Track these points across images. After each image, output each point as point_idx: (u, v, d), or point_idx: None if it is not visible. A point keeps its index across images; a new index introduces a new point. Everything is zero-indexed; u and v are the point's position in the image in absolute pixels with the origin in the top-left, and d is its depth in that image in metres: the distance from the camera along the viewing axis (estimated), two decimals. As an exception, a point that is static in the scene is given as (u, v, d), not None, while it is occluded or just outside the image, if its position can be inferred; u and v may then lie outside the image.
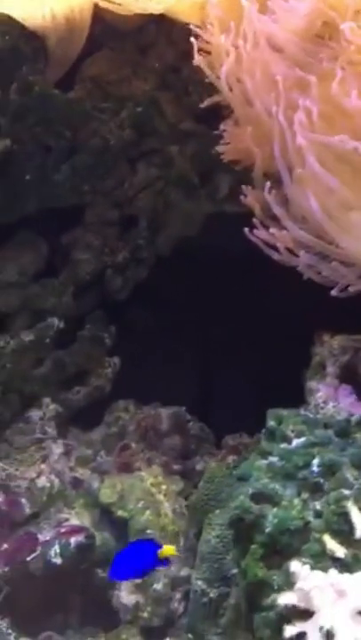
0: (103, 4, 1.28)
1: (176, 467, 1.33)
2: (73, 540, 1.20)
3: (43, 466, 1.27)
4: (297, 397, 1.22)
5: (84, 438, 1.40)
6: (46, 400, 1.43)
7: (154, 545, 1.00)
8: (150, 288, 1.49)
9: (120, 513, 1.23)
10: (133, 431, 1.37)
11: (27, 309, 1.43)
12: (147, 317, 1.50)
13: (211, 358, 1.55)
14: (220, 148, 1.22)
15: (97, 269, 1.44)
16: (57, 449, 1.32)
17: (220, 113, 1.27)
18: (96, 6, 1.29)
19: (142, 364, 1.49)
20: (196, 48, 1.17)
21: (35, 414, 1.39)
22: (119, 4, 1.26)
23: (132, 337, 1.48)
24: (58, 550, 1.19)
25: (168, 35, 1.35)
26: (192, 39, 1.17)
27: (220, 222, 1.42)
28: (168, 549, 0.99)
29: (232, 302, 1.46)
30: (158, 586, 1.17)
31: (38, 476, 1.25)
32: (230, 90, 1.13)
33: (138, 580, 1.17)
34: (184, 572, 1.19)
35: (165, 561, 0.99)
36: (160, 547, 1.00)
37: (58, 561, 1.17)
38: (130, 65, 1.40)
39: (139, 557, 1.00)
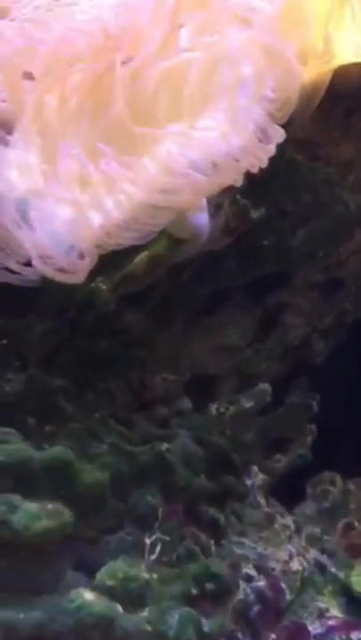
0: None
1: None
2: (354, 636, 1.12)
3: (290, 546, 1.23)
4: None
5: (299, 513, 1.37)
6: (255, 468, 1.39)
7: None
8: (348, 351, 1.50)
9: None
10: (356, 509, 1.35)
11: (236, 373, 1.41)
12: (343, 382, 1.51)
13: None
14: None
15: (305, 334, 1.44)
16: (289, 525, 1.28)
17: None
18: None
19: (342, 433, 1.47)
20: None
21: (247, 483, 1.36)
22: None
23: (328, 403, 1.48)
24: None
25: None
26: None
27: None
28: None
29: None
30: None
31: (291, 557, 1.21)
32: None
33: None
34: None
35: None
36: None
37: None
38: (337, 127, 1.44)
39: None
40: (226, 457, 1.11)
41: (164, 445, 1.00)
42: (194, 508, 1.04)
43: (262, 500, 1.35)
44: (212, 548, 1.04)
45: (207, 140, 0.77)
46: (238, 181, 0.87)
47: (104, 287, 1.20)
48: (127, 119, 0.80)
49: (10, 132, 1.02)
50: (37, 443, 1.06)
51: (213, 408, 1.37)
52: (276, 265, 1.34)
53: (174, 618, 0.89)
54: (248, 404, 1.37)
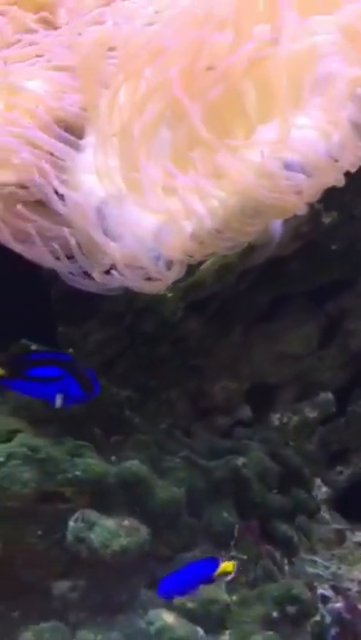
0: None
1: None
2: None
3: (364, 565, 1.18)
4: None
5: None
6: (318, 481, 1.36)
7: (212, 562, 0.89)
8: None
9: None
10: None
11: (297, 381, 1.37)
12: None
13: None
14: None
15: (367, 340, 1.40)
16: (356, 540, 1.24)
17: None
18: None
19: None
20: None
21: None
22: None
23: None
24: None
25: None
26: None
27: None
28: (226, 565, 0.88)
29: None
30: None
31: (367, 577, 1.16)
32: None
33: None
34: None
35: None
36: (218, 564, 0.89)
37: None
38: None
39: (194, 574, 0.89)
40: (297, 471, 1.08)
41: (240, 460, 0.97)
42: (268, 524, 1.02)
43: (327, 515, 1.31)
44: (286, 567, 1.01)
45: (307, 140, 0.73)
46: (340, 181, 0.81)
47: (170, 295, 1.18)
48: (214, 120, 0.77)
49: (80, 137, 1.01)
50: (105, 455, 1.04)
51: (276, 418, 1.34)
52: (342, 271, 1.30)
53: (257, 643, 0.87)
54: (312, 414, 1.34)
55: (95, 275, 0.81)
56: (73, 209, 0.80)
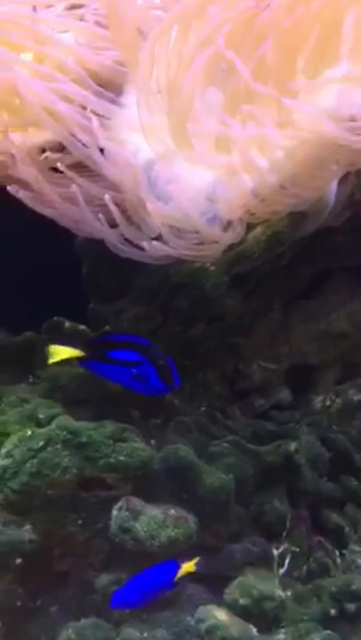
0: None
1: None
2: None
3: None
4: None
5: None
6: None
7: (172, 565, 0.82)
8: None
9: None
10: None
11: (340, 362, 1.31)
12: None
13: None
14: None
15: None
16: None
17: None
18: None
19: None
20: None
21: None
22: None
23: None
24: None
25: None
26: None
27: None
28: (188, 566, 0.81)
29: None
30: None
31: None
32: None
33: None
34: None
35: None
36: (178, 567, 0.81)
37: None
38: None
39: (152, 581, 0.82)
40: (347, 456, 1.02)
41: (293, 445, 0.90)
42: (319, 514, 0.96)
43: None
44: (338, 560, 0.95)
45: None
46: None
47: (213, 268, 1.11)
48: (274, 66, 0.69)
49: (118, 94, 0.94)
50: (144, 438, 0.98)
51: (318, 400, 1.28)
52: None
53: (315, 642, 0.81)
54: (357, 397, 1.27)
55: (144, 242, 0.75)
56: (120, 170, 0.73)
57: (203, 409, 1.08)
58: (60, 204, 0.75)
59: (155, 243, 0.73)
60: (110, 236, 0.77)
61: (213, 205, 0.69)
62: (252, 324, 1.23)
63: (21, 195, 0.79)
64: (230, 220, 0.70)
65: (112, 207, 0.75)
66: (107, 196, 0.78)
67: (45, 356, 0.97)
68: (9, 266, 1.25)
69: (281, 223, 1.01)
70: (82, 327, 1.08)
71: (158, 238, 0.76)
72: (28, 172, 0.74)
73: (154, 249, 0.73)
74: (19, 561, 0.81)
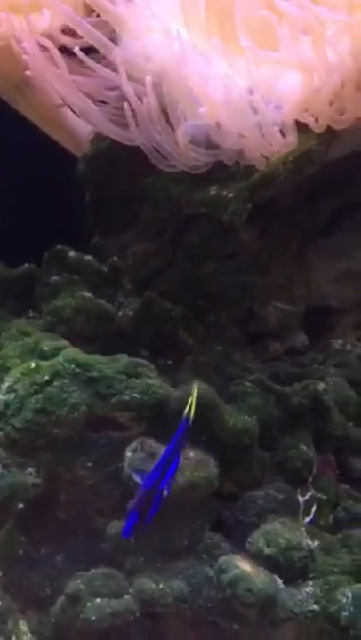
0: None
1: None
2: None
3: None
4: None
5: None
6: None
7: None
8: None
9: None
10: None
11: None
12: None
13: None
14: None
15: None
16: None
17: None
18: None
19: None
20: None
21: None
22: None
23: None
24: None
25: None
26: None
27: None
28: None
29: None
30: None
31: None
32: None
33: None
34: None
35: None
36: None
37: None
38: None
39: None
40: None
41: (321, 385, 0.83)
42: (346, 461, 0.90)
43: None
44: (365, 509, 0.90)
45: None
46: None
47: (230, 195, 1.02)
48: None
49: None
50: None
51: (337, 344, 1.21)
52: None
53: (346, 597, 0.73)
54: (377, 343, 1.21)
55: (180, 139, 0.64)
56: (165, 57, 0.62)
57: (218, 349, 1.02)
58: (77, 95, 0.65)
59: (193, 148, 0.62)
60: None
61: (266, 103, 0.60)
62: (269, 262, 1.16)
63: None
64: (285, 122, 0.60)
65: (151, 96, 0.64)
66: (148, 78, 0.67)
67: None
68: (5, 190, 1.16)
69: (310, 142, 0.93)
70: (87, 257, 1.00)
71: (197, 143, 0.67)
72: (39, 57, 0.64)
73: (194, 154, 0.63)
74: (21, 506, 0.76)
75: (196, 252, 1.10)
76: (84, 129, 1.15)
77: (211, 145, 0.65)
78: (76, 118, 1.16)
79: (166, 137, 0.61)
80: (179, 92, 0.61)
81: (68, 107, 0.91)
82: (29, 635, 0.74)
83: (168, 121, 0.65)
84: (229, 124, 0.58)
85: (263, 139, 0.59)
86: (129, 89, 0.60)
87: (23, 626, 0.74)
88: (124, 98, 0.64)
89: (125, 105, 0.60)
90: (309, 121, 0.60)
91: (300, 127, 0.82)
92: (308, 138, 0.96)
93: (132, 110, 0.66)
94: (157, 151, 0.70)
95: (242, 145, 0.61)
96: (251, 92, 0.58)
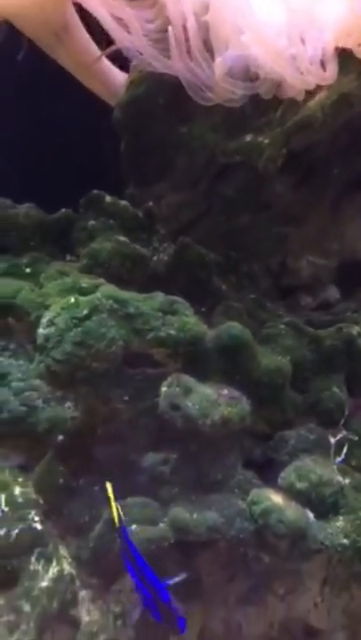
0: None
1: None
2: None
3: None
4: None
5: None
6: None
7: None
8: None
9: None
10: None
11: None
12: None
13: None
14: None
15: None
16: None
17: None
18: None
19: None
20: None
21: None
22: None
23: None
24: None
25: None
26: None
27: None
28: None
29: None
30: None
31: None
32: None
33: None
34: None
35: None
36: None
37: None
38: None
39: None
40: None
41: (356, 329, 0.83)
42: None
43: None
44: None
45: None
46: None
47: (266, 141, 1.01)
48: None
49: None
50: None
51: (370, 299, 1.20)
52: None
53: (376, 532, 0.77)
54: None
55: (218, 70, 0.63)
56: None
57: (252, 297, 1.02)
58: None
59: (230, 79, 0.62)
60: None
61: (310, 32, 0.59)
62: (303, 215, 1.15)
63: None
64: (327, 49, 0.59)
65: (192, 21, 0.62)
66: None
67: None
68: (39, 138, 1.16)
69: (349, 85, 0.92)
70: (123, 203, 1.01)
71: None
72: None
73: (231, 85, 0.62)
74: (60, 438, 0.79)
75: (231, 203, 1.10)
76: (119, 77, 1.16)
77: (248, 78, 0.65)
78: (112, 67, 1.17)
79: (205, 66, 0.61)
80: (221, 20, 0.61)
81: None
82: (69, 559, 0.78)
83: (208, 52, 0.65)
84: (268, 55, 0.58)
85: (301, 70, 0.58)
86: (175, 13, 0.60)
87: (62, 550, 0.78)
88: (163, 31, 0.64)
89: (170, 29, 0.61)
90: (354, 47, 0.59)
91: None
92: (347, 81, 0.96)
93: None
94: (195, 83, 0.70)
95: (280, 74, 0.61)
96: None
